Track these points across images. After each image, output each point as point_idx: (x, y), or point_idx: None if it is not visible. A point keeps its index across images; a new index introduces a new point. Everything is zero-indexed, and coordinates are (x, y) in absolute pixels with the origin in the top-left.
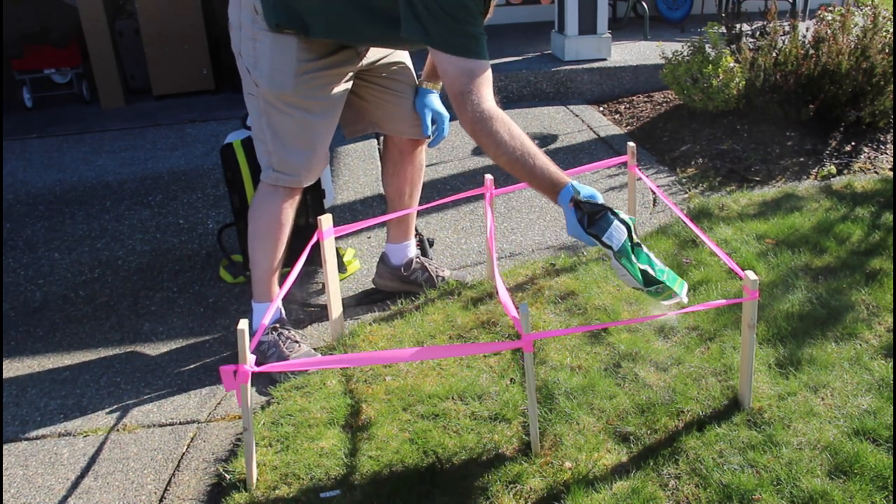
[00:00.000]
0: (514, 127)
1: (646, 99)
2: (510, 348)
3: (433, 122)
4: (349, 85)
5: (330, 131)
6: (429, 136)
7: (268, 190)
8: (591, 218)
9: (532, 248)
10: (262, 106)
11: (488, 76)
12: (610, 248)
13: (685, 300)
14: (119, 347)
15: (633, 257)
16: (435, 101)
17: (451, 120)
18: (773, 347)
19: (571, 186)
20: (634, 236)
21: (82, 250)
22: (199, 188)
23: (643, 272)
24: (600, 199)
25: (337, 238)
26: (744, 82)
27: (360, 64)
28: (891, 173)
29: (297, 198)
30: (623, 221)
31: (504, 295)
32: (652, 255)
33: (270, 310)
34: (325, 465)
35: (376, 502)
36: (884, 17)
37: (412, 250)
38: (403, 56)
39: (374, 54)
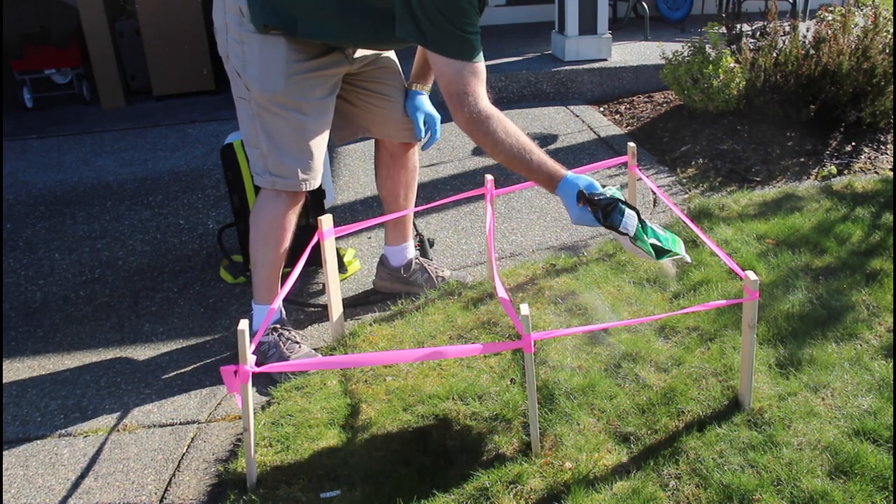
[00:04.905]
0: (510, 124)
1: (646, 99)
2: (510, 348)
3: (425, 124)
4: (338, 88)
5: (325, 134)
6: (421, 139)
7: (269, 195)
8: (605, 212)
9: (532, 248)
10: (254, 109)
11: (482, 75)
12: (626, 235)
13: (688, 259)
14: (119, 348)
15: (644, 236)
16: (425, 102)
17: (442, 122)
18: (773, 348)
19: (569, 178)
20: (641, 216)
21: (83, 251)
22: (199, 188)
23: (653, 246)
24: (598, 188)
25: (337, 238)
26: (744, 83)
27: (349, 68)
28: (891, 173)
29: (300, 203)
30: (631, 207)
31: (503, 296)
32: (655, 227)
33: (271, 313)
34: (325, 465)
35: (376, 502)
36: (884, 18)
37: (411, 251)
38: (392, 59)
39: (363, 58)
